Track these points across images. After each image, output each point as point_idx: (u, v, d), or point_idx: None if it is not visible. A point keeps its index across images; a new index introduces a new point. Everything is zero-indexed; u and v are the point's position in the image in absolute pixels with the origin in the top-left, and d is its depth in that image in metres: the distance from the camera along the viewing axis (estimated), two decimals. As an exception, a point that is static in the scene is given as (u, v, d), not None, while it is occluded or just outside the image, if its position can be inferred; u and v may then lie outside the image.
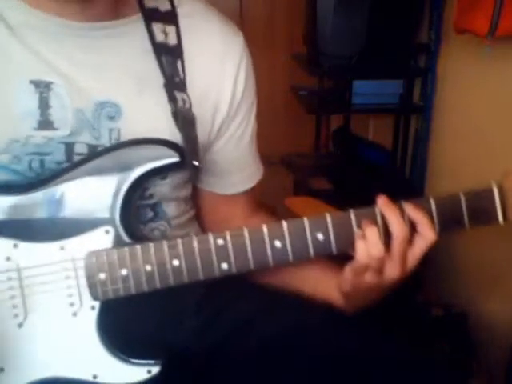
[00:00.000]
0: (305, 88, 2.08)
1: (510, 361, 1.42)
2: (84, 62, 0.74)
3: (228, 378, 0.82)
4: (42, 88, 0.72)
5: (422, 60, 1.89)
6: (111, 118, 0.75)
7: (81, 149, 0.74)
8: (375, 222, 0.72)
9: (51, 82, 0.72)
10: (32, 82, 0.72)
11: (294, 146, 2.21)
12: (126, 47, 0.77)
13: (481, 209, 0.73)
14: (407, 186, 1.96)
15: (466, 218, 0.73)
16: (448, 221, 0.73)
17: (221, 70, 0.82)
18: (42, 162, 0.73)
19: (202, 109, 0.80)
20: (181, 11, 0.81)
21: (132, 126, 0.75)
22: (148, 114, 0.77)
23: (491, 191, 0.74)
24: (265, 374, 0.80)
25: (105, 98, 0.74)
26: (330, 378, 0.78)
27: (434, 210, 0.73)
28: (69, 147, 0.74)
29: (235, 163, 0.90)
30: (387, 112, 2.01)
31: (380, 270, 0.73)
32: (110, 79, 0.75)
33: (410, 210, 0.72)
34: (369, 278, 0.74)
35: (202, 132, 0.81)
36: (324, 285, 0.84)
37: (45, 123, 0.73)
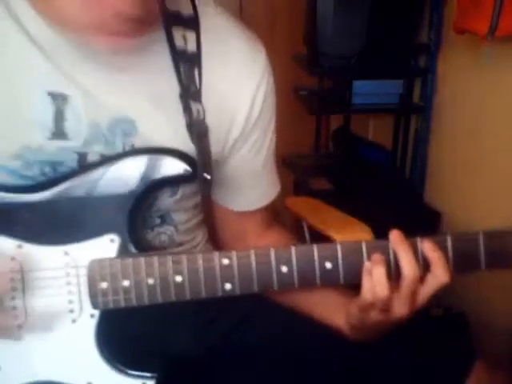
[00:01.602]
0: (305, 88, 2.08)
1: (510, 361, 1.43)
2: (104, 78, 0.73)
3: (227, 379, 0.82)
4: (59, 100, 0.71)
5: (422, 60, 1.89)
6: (126, 134, 0.74)
7: (94, 158, 0.74)
8: (387, 256, 0.70)
9: (68, 95, 0.71)
10: (49, 93, 0.71)
11: (294, 146, 2.20)
12: (148, 62, 0.75)
13: (499, 251, 0.70)
14: (407, 186, 1.96)
15: (482, 259, 0.70)
16: (463, 261, 0.71)
17: (239, 87, 0.80)
18: (54, 169, 0.73)
19: (217, 123, 0.78)
20: (204, 20, 0.78)
21: (146, 141, 0.74)
22: (163, 129, 0.75)
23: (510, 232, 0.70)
24: (264, 374, 0.80)
25: (122, 114, 0.73)
26: (331, 378, 0.79)
27: (449, 250, 0.70)
28: (82, 156, 0.73)
29: (250, 180, 0.87)
30: (387, 112, 2.01)
31: (386, 309, 0.71)
32: (128, 96, 0.74)
33: (426, 249, 0.70)
34: (374, 315, 0.72)
35: (216, 145, 0.79)
36: (332, 314, 0.81)
37: (58, 134, 0.72)
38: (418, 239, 0.70)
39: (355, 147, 2.10)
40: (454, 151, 1.77)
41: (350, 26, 1.76)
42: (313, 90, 2.05)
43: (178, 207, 0.82)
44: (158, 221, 0.81)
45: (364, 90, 1.88)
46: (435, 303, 1.67)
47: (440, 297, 1.72)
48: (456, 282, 1.75)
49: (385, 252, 0.70)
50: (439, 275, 0.69)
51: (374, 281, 0.69)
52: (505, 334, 1.50)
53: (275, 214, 0.97)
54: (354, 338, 0.79)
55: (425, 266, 0.70)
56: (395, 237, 0.71)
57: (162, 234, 0.83)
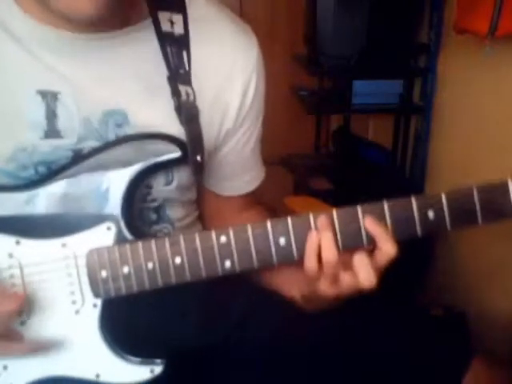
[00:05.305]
0: (305, 88, 2.08)
1: (510, 361, 1.43)
2: (92, 72, 0.73)
3: (228, 378, 0.83)
4: (49, 98, 0.71)
5: (422, 60, 1.89)
6: (118, 126, 0.74)
7: None
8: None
9: (58, 92, 0.72)
10: (39, 92, 0.71)
11: (294, 146, 2.21)
12: (135, 53, 0.75)
13: (494, 204, 0.68)
14: (407, 185, 1.96)
15: (479, 212, 0.68)
16: (460, 216, 0.69)
17: (232, 79, 0.80)
18: (48, 168, 0.73)
19: (209, 110, 0.79)
20: (191, 2, 0.78)
21: (139, 130, 0.75)
22: (154, 115, 0.76)
23: (506, 185, 0.68)
24: (265, 374, 0.80)
25: (113, 106, 0.74)
26: (331, 377, 0.79)
27: (445, 205, 0.68)
28: (76, 153, 0.74)
29: (237, 168, 0.89)
30: (387, 112, 2.01)
31: (335, 279, 0.69)
32: (118, 87, 0.74)
33: (367, 225, 0.68)
34: (324, 287, 0.71)
35: (208, 133, 0.79)
36: (288, 284, 0.82)
37: (51, 132, 0.72)
38: (364, 214, 0.68)
39: (355, 147, 2.10)
40: (453, 151, 1.77)
41: (350, 25, 1.76)
42: (313, 90, 2.06)
43: (173, 200, 0.82)
44: (154, 216, 0.81)
45: (364, 89, 1.87)
46: (435, 303, 1.66)
47: (440, 296, 1.71)
48: (456, 281, 1.75)
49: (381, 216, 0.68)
50: (386, 249, 0.67)
51: (322, 246, 0.67)
52: (505, 334, 1.50)
53: (259, 197, 0.97)
54: (307, 308, 0.78)
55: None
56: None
57: (158, 232, 0.83)
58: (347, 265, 0.68)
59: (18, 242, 0.71)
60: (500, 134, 1.52)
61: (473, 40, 1.47)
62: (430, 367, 0.80)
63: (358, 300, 0.72)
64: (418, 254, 1.64)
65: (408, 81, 1.90)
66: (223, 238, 0.69)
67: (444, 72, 1.79)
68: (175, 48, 0.75)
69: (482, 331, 1.51)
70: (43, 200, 0.72)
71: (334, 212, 0.68)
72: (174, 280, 0.70)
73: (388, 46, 1.80)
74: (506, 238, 1.36)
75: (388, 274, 0.70)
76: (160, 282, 0.70)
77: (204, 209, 0.94)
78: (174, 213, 0.84)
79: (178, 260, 0.69)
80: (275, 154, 2.11)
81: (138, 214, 0.78)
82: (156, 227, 0.82)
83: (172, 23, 0.76)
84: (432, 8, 1.80)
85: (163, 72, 0.75)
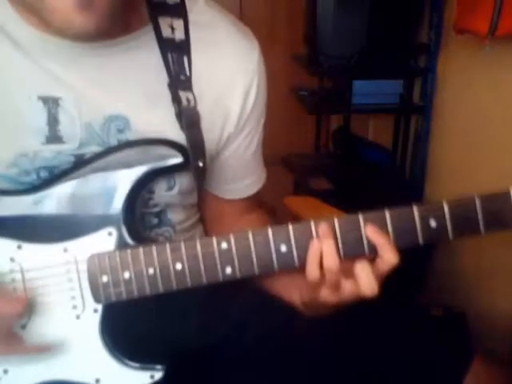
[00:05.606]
0: (305, 88, 2.08)
1: (510, 361, 1.43)
2: (93, 77, 0.73)
3: (227, 379, 0.83)
4: (50, 104, 0.72)
5: (422, 60, 1.89)
6: (120, 131, 0.74)
7: None
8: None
9: (59, 98, 0.72)
10: (40, 98, 0.71)
11: (294, 146, 2.21)
12: (136, 59, 0.75)
13: (497, 212, 0.68)
14: (407, 186, 1.96)
15: (481, 222, 0.68)
16: (462, 225, 0.68)
17: (233, 82, 0.80)
18: (51, 173, 0.73)
19: (210, 115, 0.79)
20: (192, 7, 0.78)
21: (140, 135, 0.75)
22: (155, 121, 0.76)
23: (508, 194, 0.68)
24: (265, 374, 0.80)
25: (114, 111, 0.74)
26: (330, 377, 0.79)
27: (447, 214, 0.68)
28: (78, 158, 0.74)
29: (239, 171, 0.89)
30: (387, 112, 2.01)
31: (337, 287, 0.69)
32: (120, 93, 0.74)
33: (369, 234, 0.68)
34: (325, 294, 0.70)
35: (210, 138, 0.79)
36: (288, 289, 0.81)
37: (53, 138, 0.72)
38: (367, 224, 0.68)
39: (355, 147, 2.10)
40: (454, 151, 1.77)
41: (350, 25, 1.76)
42: (313, 90, 2.06)
43: (175, 204, 0.82)
44: (155, 220, 0.82)
45: (364, 89, 1.87)
46: (435, 303, 1.66)
47: (440, 297, 1.71)
48: (456, 281, 1.75)
49: (382, 224, 0.68)
50: (387, 258, 0.67)
51: (323, 254, 0.67)
52: (505, 334, 1.50)
53: (260, 201, 0.97)
54: (307, 314, 0.78)
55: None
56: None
57: (160, 235, 0.83)
58: (348, 273, 0.68)
59: (19, 247, 0.71)
60: (500, 133, 1.52)
61: (473, 40, 1.47)
62: (430, 367, 0.80)
63: (357, 300, 0.72)
64: (418, 253, 1.64)
65: (408, 81, 1.90)
66: (224, 245, 0.69)
67: (444, 72, 1.79)
68: (176, 54, 0.75)
69: (481, 331, 1.51)
70: (47, 204, 0.71)
71: (336, 220, 0.68)
72: (174, 286, 0.70)
73: (388, 46, 1.80)
74: (506, 238, 1.36)
75: (388, 274, 0.70)
76: (161, 288, 0.70)
77: (205, 211, 0.94)
78: (176, 216, 0.84)
79: (178, 266, 0.69)
80: (275, 154, 2.11)
81: (140, 219, 0.78)
82: (157, 230, 0.82)
83: (173, 29, 0.76)
84: (432, 8, 1.80)
85: (164, 78, 0.75)
